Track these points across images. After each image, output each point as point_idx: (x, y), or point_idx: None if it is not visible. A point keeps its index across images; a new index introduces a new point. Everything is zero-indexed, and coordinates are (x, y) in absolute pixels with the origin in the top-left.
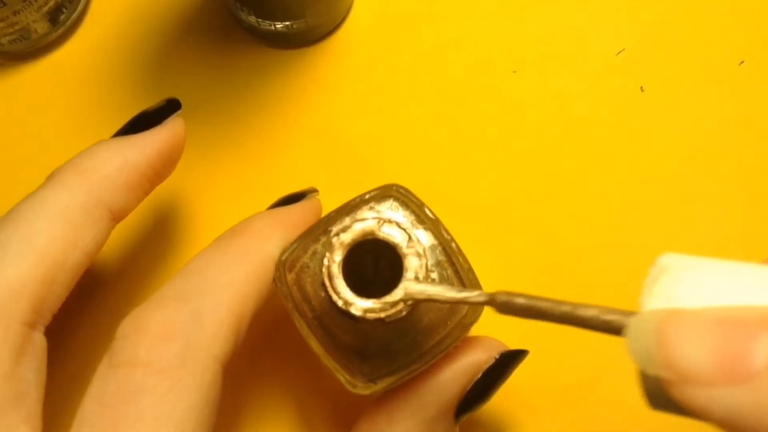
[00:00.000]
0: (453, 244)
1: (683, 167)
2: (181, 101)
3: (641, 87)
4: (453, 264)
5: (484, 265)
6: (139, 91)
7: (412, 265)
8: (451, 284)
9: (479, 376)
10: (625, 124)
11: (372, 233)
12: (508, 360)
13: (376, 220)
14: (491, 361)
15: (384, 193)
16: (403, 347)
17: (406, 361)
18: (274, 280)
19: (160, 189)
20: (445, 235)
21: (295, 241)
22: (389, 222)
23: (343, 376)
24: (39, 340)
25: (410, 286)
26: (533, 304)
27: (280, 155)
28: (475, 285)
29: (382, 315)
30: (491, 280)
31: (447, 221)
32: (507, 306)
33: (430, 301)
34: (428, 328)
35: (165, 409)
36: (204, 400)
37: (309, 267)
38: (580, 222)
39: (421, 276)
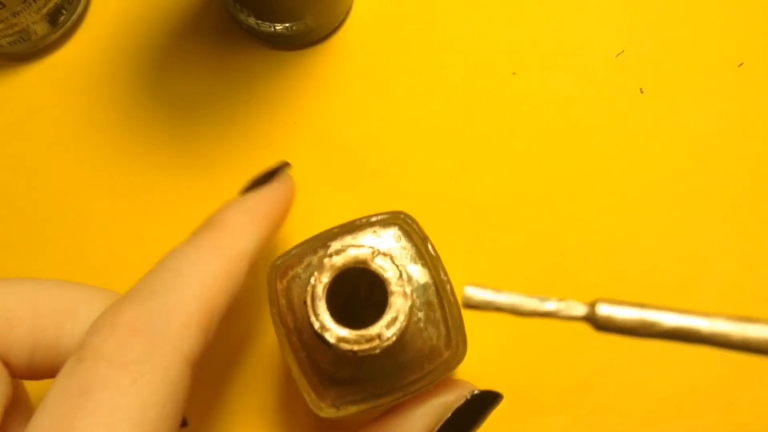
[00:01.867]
0: (448, 287)
1: (682, 169)
2: (180, 103)
3: (641, 89)
4: (443, 307)
5: (483, 265)
6: (139, 92)
7: (396, 304)
8: (437, 327)
9: (448, 415)
10: (624, 125)
11: (364, 263)
12: (480, 401)
13: (370, 250)
14: (461, 400)
15: (390, 220)
16: (375, 380)
17: (374, 394)
18: (267, 282)
19: (160, 190)
20: (443, 275)
21: (294, 247)
22: (384, 255)
23: (309, 396)
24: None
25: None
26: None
27: (279, 156)
28: (461, 332)
29: (355, 348)
30: (489, 279)
31: (445, 221)
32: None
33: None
34: (404, 367)
35: (124, 402)
36: (168, 395)
37: (300, 278)
38: (580, 223)
39: (401, 318)
